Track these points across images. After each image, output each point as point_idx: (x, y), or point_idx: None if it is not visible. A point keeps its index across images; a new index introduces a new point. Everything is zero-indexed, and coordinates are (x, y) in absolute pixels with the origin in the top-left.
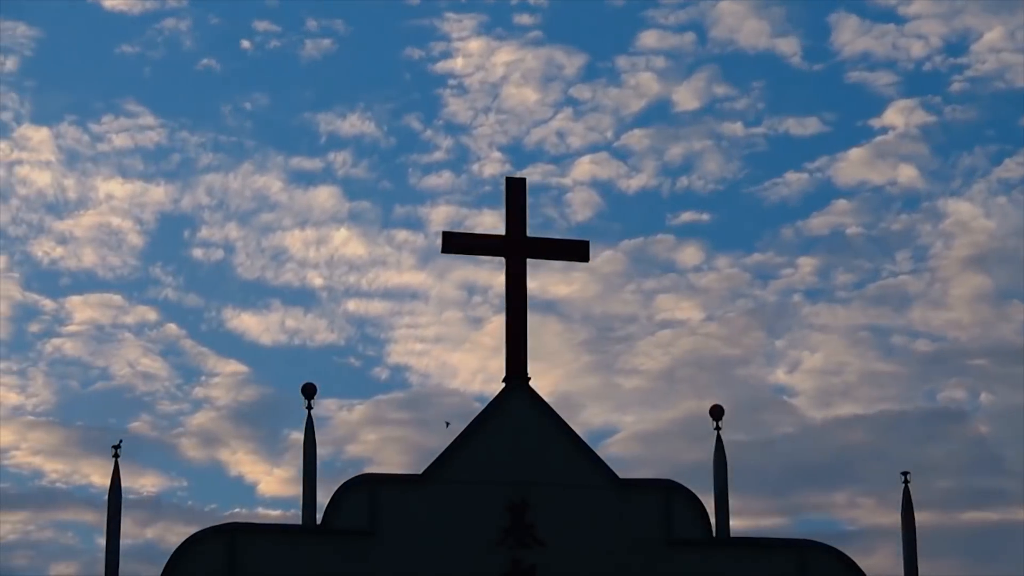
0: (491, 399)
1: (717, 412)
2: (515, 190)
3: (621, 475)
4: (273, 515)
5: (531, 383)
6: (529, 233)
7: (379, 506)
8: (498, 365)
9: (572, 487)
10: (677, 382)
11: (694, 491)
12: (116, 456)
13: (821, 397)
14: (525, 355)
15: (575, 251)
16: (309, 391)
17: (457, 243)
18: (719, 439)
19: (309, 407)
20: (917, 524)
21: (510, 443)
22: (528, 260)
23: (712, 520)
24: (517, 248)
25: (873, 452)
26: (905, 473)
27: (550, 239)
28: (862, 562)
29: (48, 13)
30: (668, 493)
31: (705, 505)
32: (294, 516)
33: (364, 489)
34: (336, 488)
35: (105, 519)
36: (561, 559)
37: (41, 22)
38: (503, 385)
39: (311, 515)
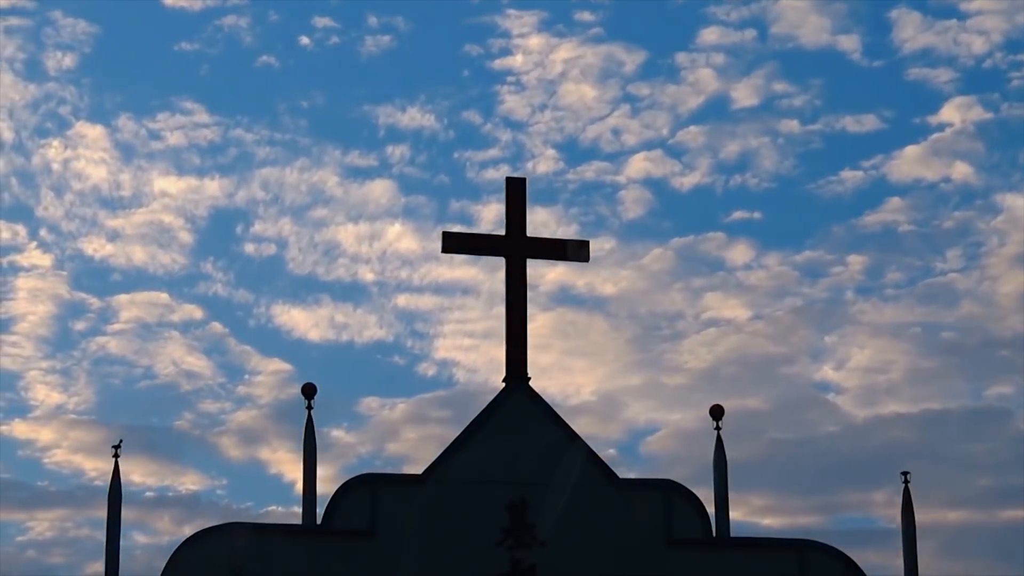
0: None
1: (717, 412)
2: (515, 190)
3: (659, 474)
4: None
5: (531, 383)
6: (582, 231)
7: (379, 506)
8: (546, 360)
9: (572, 487)
10: (721, 381)
11: (734, 490)
12: (116, 456)
13: (866, 395)
14: (525, 355)
15: (575, 251)
16: (309, 391)
17: (457, 243)
18: (719, 439)
19: (309, 407)
20: (956, 522)
21: (510, 443)
22: (589, 260)
23: (712, 520)
24: (517, 248)
25: (914, 450)
26: (905, 473)
27: (550, 239)
28: (896, 560)
29: (109, 10)
30: (668, 493)
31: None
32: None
33: (364, 489)
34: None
35: (106, 518)
36: (561, 559)
37: (101, 19)
38: (526, 381)
39: (311, 515)
